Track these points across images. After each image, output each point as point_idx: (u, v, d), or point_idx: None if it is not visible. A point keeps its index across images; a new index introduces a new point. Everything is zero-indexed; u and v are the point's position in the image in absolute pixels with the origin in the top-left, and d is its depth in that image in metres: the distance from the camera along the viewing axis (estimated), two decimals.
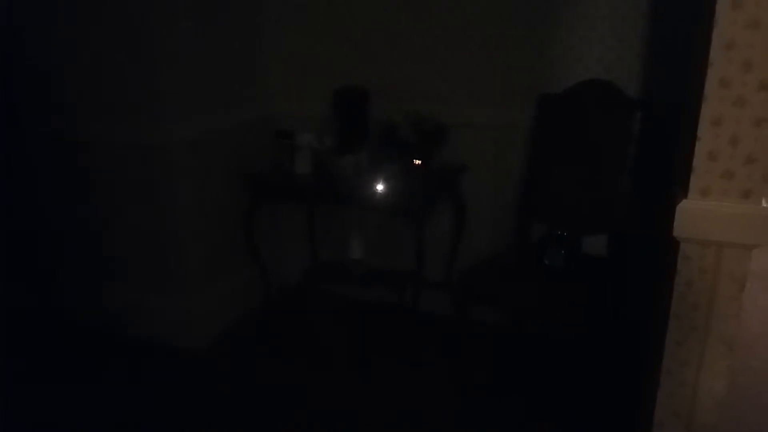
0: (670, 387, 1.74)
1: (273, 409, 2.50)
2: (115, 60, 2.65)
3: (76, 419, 2.46)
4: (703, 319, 1.65)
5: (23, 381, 2.70)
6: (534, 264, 2.45)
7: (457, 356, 2.76)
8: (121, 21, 2.58)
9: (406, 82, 2.95)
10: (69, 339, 3.04)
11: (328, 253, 3.35)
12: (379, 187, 2.61)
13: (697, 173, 1.55)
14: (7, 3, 2.75)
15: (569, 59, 2.65)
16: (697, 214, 1.56)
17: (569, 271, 2.38)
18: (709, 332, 1.65)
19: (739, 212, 1.53)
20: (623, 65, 2.57)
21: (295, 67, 3.18)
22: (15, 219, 3.05)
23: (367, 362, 2.82)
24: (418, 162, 2.76)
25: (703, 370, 1.69)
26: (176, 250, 2.86)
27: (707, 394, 1.70)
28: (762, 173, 1.50)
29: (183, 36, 2.66)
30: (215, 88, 2.88)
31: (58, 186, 3.00)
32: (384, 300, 3.21)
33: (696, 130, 1.53)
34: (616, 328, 2.47)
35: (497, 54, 2.77)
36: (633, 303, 2.53)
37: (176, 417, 2.48)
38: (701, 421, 1.73)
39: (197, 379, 2.73)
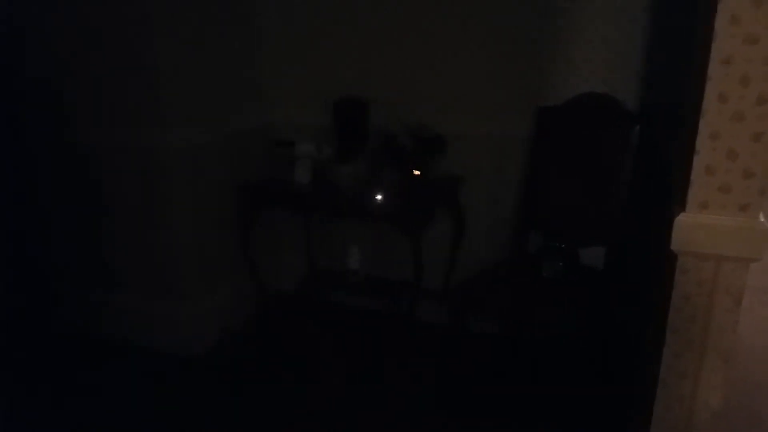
0: (666, 400, 1.74)
1: (269, 417, 2.49)
2: (116, 66, 2.65)
3: (72, 427, 2.45)
4: (700, 332, 1.65)
5: (21, 388, 2.69)
6: (532, 275, 2.45)
7: (453, 366, 2.76)
8: (122, 27, 2.59)
9: (406, 93, 2.96)
10: (65, 346, 3.03)
11: (326, 261, 3.35)
12: (378, 197, 2.61)
13: (695, 187, 1.56)
14: (8, 8, 2.76)
15: (568, 72, 2.66)
16: (695, 227, 1.57)
17: (567, 283, 2.39)
18: (706, 345, 1.65)
19: (737, 226, 1.53)
20: (621, 78, 2.58)
21: (295, 77, 3.18)
22: (13, 224, 3.04)
23: (364, 371, 2.81)
24: (417, 172, 2.77)
25: (699, 383, 1.69)
26: (174, 257, 2.85)
27: (704, 407, 1.70)
28: (759, 187, 1.51)
29: (183, 43, 2.66)
30: (215, 96, 2.88)
31: (56, 191, 3.00)
32: (381, 309, 3.20)
33: (694, 144, 1.54)
34: (613, 340, 2.47)
35: (497, 66, 2.78)
36: (630, 315, 2.54)
37: (172, 424, 2.47)
38: None
39: (193, 387, 2.72)
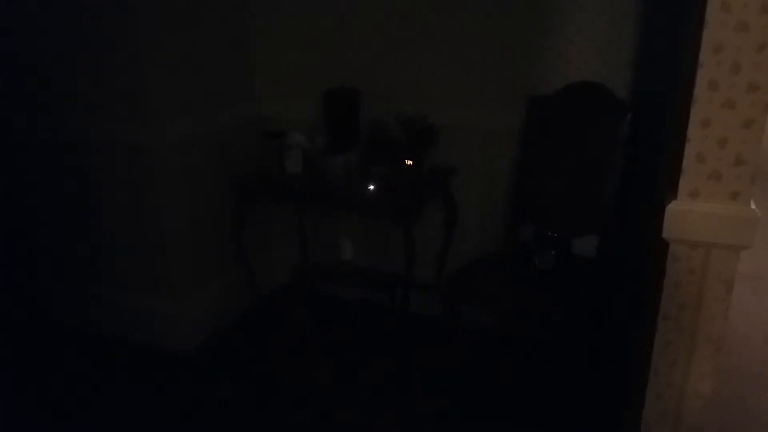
0: (658, 387, 1.75)
1: (262, 411, 2.49)
2: (103, 60, 2.62)
3: (65, 423, 2.45)
4: (691, 319, 1.66)
5: (13, 384, 2.68)
6: (524, 265, 2.45)
7: (446, 357, 2.76)
8: (109, 21, 2.56)
9: (398, 83, 2.94)
10: (56, 342, 3.02)
11: (318, 254, 3.34)
12: (370, 188, 2.60)
13: (686, 175, 1.56)
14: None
15: (559, 61, 2.65)
16: (686, 215, 1.57)
17: (560, 273, 2.39)
18: (696, 333, 1.66)
19: (728, 214, 1.54)
20: (613, 67, 2.58)
21: (286, 67, 3.16)
22: (3, 223, 3.02)
23: (357, 363, 2.81)
24: (408, 163, 2.76)
25: (690, 371, 1.70)
26: (165, 253, 2.83)
27: (694, 395, 1.71)
28: (750, 175, 1.51)
29: (171, 36, 2.64)
30: (204, 88, 2.86)
31: (46, 188, 2.97)
32: (374, 301, 3.20)
33: (685, 132, 1.54)
34: (604, 328, 2.48)
35: (488, 55, 2.77)
36: (622, 304, 2.55)
37: (164, 420, 2.47)
38: (688, 422, 1.74)
39: (186, 382, 2.72)
